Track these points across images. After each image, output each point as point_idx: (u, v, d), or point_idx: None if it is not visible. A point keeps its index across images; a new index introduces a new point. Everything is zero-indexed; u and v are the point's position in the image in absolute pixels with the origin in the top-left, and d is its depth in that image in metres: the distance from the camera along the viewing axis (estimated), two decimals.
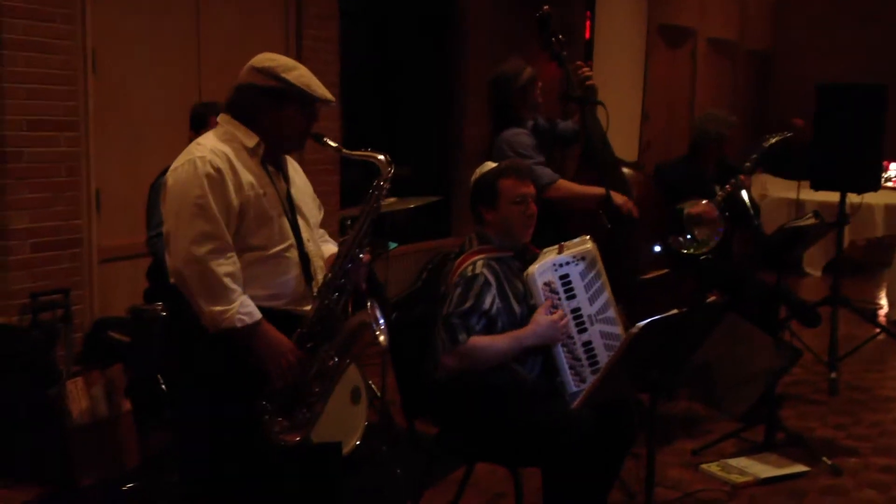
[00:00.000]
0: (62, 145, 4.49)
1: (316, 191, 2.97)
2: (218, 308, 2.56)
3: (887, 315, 7.37)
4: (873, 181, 5.64)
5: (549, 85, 4.36)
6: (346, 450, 3.83)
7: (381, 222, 4.47)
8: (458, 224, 7.32)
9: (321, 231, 2.97)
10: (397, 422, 4.16)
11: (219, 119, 2.76)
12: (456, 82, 7.31)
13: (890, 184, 10.00)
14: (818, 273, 8.83)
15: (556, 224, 3.69)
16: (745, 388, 3.83)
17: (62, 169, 4.50)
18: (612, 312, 3.14)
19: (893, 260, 7.38)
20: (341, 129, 6.00)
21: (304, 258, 2.75)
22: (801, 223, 4.49)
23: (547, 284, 3.06)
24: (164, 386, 3.91)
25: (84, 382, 3.93)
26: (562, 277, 3.08)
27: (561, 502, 2.97)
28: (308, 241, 2.79)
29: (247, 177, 2.64)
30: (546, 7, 4.06)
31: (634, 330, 2.50)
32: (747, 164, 4.89)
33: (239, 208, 2.61)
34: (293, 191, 2.80)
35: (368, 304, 2.73)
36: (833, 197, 5.72)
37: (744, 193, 4.81)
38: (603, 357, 3.07)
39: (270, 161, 2.74)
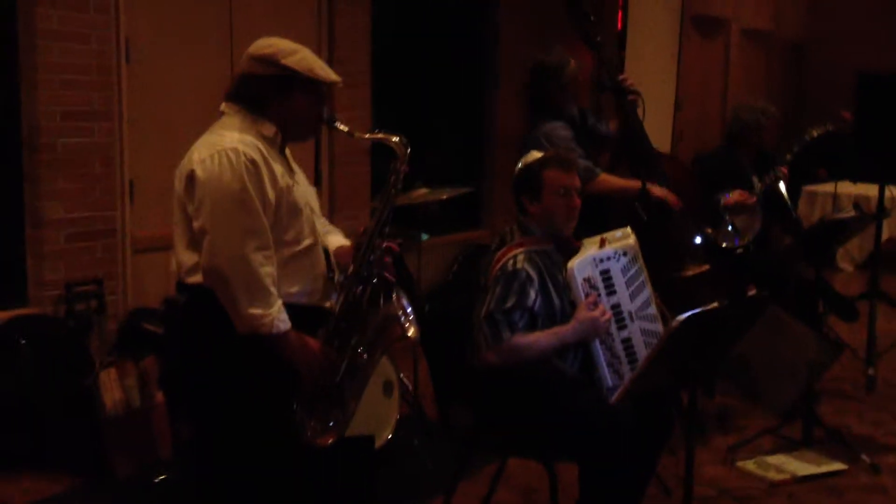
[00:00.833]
0: (96, 136, 4.49)
1: (347, 182, 2.91)
2: (259, 311, 2.43)
3: None
4: None
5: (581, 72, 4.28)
6: (378, 443, 3.80)
7: (412, 213, 4.44)
8: (489, 216, 7.27)
9: (323, 220, 2.85)
10: (429, 415, 4.14)
11: (223, 108, 2.61)
12: (489, 71, 7.25)
13: None
14: (851, 268, 8.70)
15: (594, 217, 3.64)
16: (786, 382, 3.77)
17: (96, 159, 4.50)
18: (652, 309, 3.08)
19: None
20: (371, 117, 5.97)
21: (325, 251, 2.68)
22: (843, 216, 4.43)
23: (587, 280, 3.01)
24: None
25: (117, 373, 3.93)
26: (602, 273, 3.02)
27: (598, 496, 2.94)
28: (320, 232, 2.69)
29: (278, 168, 2.54)
30: None
31: (675, 324, 2.46)
32: (787, 155, 4.82)
33: (275, 202, 2.50)
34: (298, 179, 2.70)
35: (394, 295, 2.65)
36: (870, 190, 5.62)
37: (782, 185, 4.75)
38: (642, 354, 3.02)
39: (282, 150, 2.64)
